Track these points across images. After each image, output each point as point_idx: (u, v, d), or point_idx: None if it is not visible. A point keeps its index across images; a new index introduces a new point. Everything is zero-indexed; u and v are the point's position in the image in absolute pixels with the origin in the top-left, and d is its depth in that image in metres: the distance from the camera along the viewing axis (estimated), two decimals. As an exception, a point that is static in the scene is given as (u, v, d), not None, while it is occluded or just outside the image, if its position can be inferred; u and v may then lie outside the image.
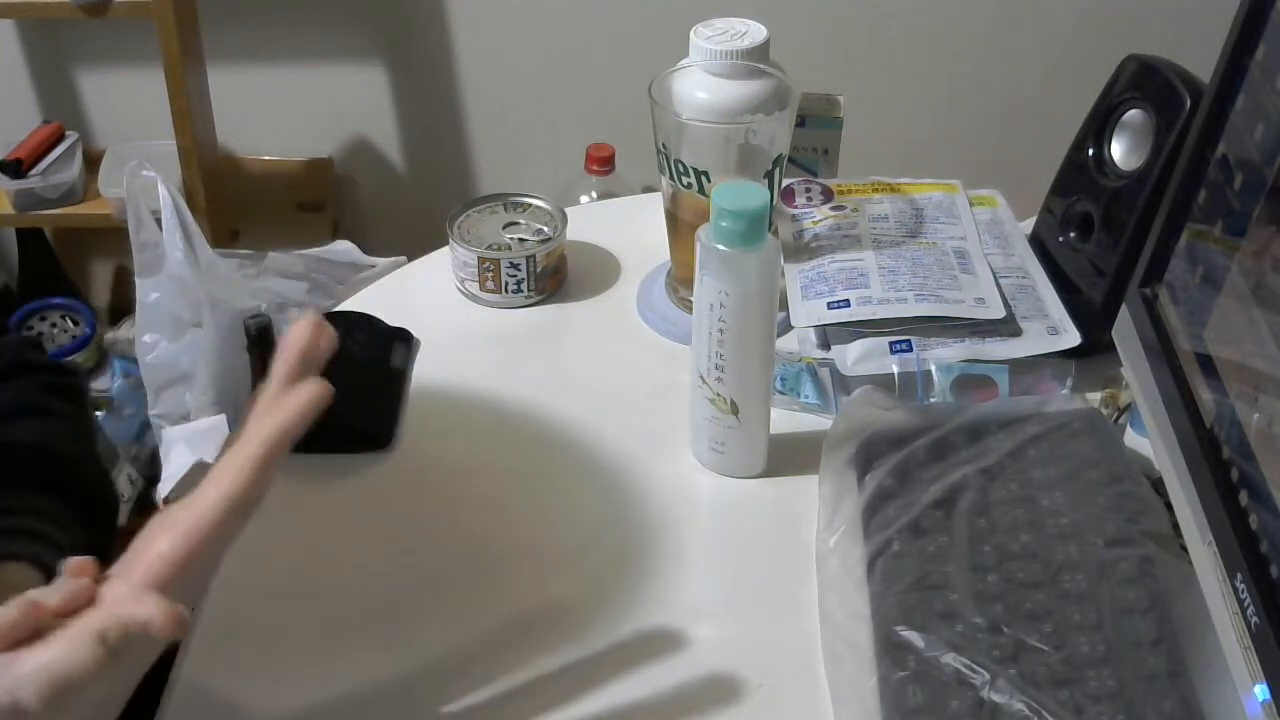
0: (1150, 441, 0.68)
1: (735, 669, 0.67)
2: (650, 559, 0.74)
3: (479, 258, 0.92)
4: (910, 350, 0.83)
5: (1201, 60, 0.72)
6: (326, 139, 1.99)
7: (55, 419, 0.73)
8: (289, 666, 0.67)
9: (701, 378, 0.75)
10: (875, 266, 0.87)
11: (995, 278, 0.87)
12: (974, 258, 0.88)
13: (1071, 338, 0.84)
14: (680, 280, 0.92)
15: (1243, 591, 0.54)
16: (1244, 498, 0.56)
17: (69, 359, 1.88)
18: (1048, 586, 0.64)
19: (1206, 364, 0.62)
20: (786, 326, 0.86)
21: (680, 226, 0.89)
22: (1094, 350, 0.83)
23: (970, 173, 0.99)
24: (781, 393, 0.83)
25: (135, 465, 1.73)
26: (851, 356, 0.83)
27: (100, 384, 1.90)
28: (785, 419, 0.82)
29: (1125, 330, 0.71)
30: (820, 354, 0.85)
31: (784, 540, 0.74)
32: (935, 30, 1.87)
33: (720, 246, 0.70)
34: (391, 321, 0.90)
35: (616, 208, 1.18)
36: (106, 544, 0.71)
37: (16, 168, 1.76)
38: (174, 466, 1.47)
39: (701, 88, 0.85)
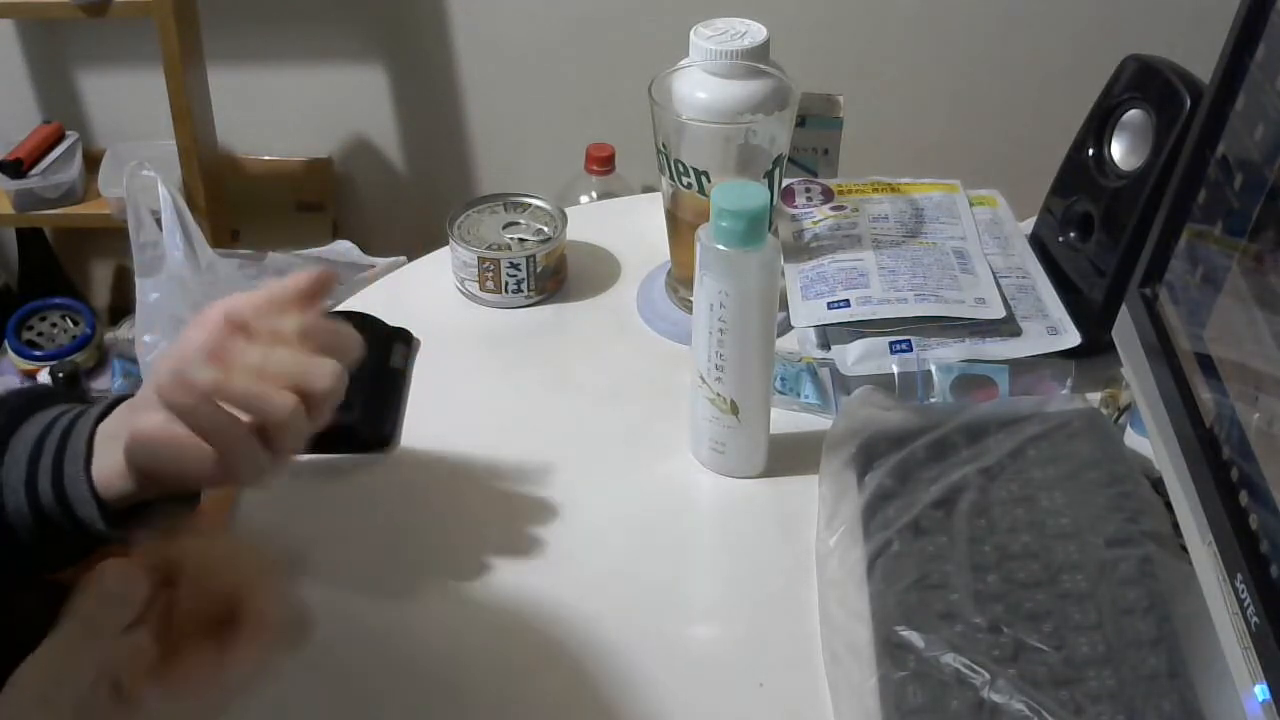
0: (1150, 441, 0.68)
1: (735, 669, 0.67)
2: (650, 559, 0.74)
3: (479, 258, 0.92)
4: (910, 350, 0.83)
5: (1201, 60, 0.72)
6: (326, 139, 1.99)
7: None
8: (287, 664, 0.67)
9: (701, 378, 0.75)
10: (875, 266, 0.87)
11: (995, 278, 0.87)
12: (974, 258, 0.88)
13: (1071, 338, 0.84)
14: (680, 280, 0.92)
15: (1243, 591, 0.54)
16: (1244, 498, 0.56)
17: (69, 359, 1.88)
18: (1048, 586, 0.64)
19: (1206, 364, 0.62)
20: (786, 326, 0.86)
21: (680, 226, 0.89)
22: (1094, 350, 0.83)
23: (970, 173, 0.99)
24: (781, 393, 0.83)
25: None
26: (851, 356, 0.83)
27: (100, 384, 1.90)
28: (785, 419, 0.82)
29: (1125, 330, 0.71)
30: (820, 354, 0.85)
31: (784, 540, 0.74)
32: (935, 30, 1.87)
33: (720, 246, 0.70)
34: (391, 321, 0.90)
35: (616, 208, 1.18)
36: None
37: (16, 168, 1.76)
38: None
39: (701, 88, 0.85)
